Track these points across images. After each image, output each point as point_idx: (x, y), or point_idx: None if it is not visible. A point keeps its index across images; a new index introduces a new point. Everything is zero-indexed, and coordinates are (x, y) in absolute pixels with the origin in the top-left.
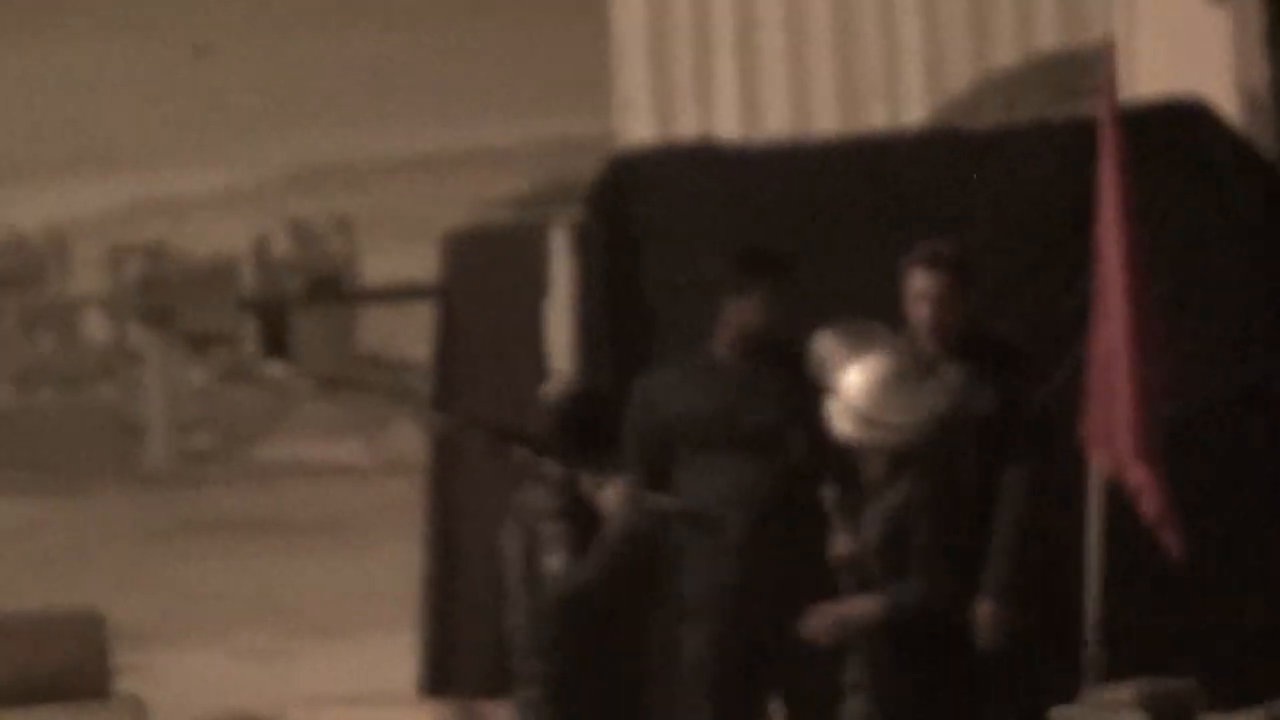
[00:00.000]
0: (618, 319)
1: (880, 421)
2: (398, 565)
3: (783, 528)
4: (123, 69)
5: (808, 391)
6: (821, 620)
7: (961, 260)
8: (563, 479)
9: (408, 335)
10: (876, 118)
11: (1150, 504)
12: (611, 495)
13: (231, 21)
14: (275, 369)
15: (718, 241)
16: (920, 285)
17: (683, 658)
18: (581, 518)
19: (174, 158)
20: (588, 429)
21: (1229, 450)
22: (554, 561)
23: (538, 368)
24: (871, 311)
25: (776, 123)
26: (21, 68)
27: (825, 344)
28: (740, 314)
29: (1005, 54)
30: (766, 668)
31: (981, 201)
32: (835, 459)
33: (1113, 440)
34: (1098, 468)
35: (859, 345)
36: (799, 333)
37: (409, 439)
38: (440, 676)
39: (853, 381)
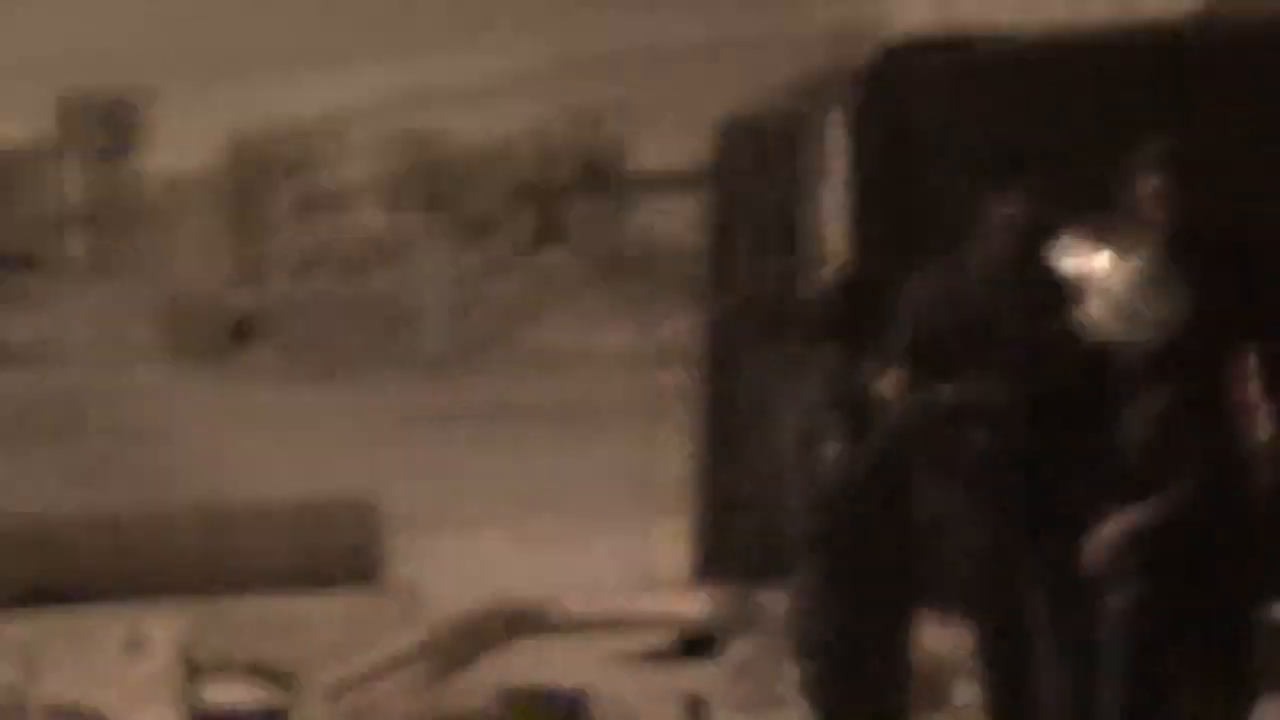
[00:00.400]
0: (893, 206)
1: (1143, 316)
2: (670, 453)
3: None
4: None
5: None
6: (1105, 539)
7: (1194, 157)
8: (838, 368)
9: (681, 222)
10: (1149, 4)
11: None
12: (887, 386)
13: None
14: (549, 255)
15: (990, 129)
16: (1156, 186)
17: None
18: (858, 407)
19: (448, 46)
20: (865, 316)
21: None
22: (828, 451)
23: (811, 252)
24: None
25: (1053, 6)
26: None
27: (1072, 240)
28: (1001, 212)
29: None
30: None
31: (1258, 94)
32: (1088, 357)
33: None
34: None
35: (1108, 238)
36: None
37: (681, 326)
38: (712, 563)
39: (1110, 273)
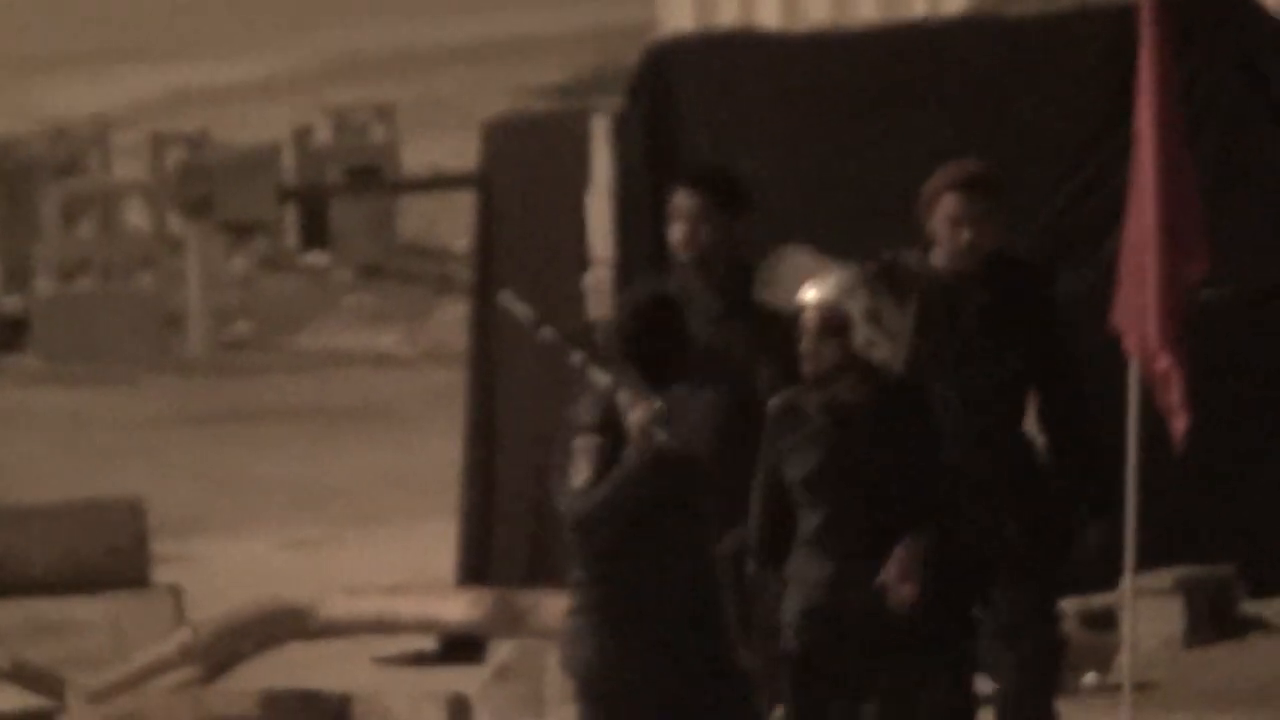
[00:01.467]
0: (659, 206)
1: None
2: (438, 454)
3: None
4: None
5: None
6: (902, 576)
7: (997, 180)
8: (605, 391)
9: (448, 224)
10: (915, 6)
11: (1167, 394)
12: (633, 420)
13: None
14: (316, 258)
15: (757, 129)
16: (954, 209)
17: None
18: (618, 435)
19: (213, 49)
20: (655, 338)
21: (1264, 335)
22: (577, 478)
23: (578, 256)
24: (906, 194)
25: (816, 13)
26: None
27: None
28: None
29: None
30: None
31: (1019, 90)
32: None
33: (1141, 327)
34: (1135, 357)
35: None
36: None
37: (450, 328)
38: (478, 565)
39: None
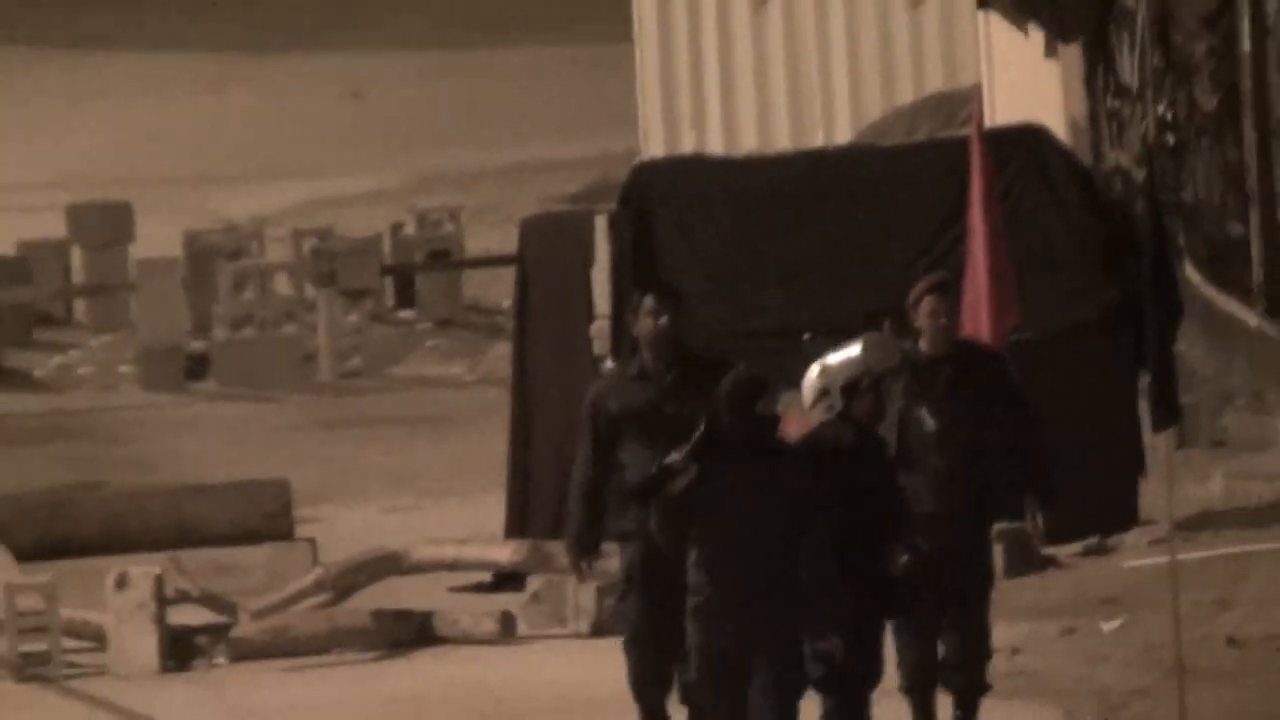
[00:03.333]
0: (639, 280)
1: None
2: (491, 448)
3: None
4: (300, 107)
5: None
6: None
7: (956, 285)
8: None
9: (497, 289)
10: (816, 139)
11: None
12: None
13: (377, 75)
14: (406, 314)
15: (709, 224)
16: (933, 307)
17: None
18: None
19: (336, 168)
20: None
21: (1061, 364)
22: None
23: (587, 311)
24: (817, 270)
25: (748, 143)
26: (226, 106)
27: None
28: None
29: (905, 94)
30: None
31: (890, 194)
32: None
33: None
34: None
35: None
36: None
37: (498, 362)
38: (519, 523)
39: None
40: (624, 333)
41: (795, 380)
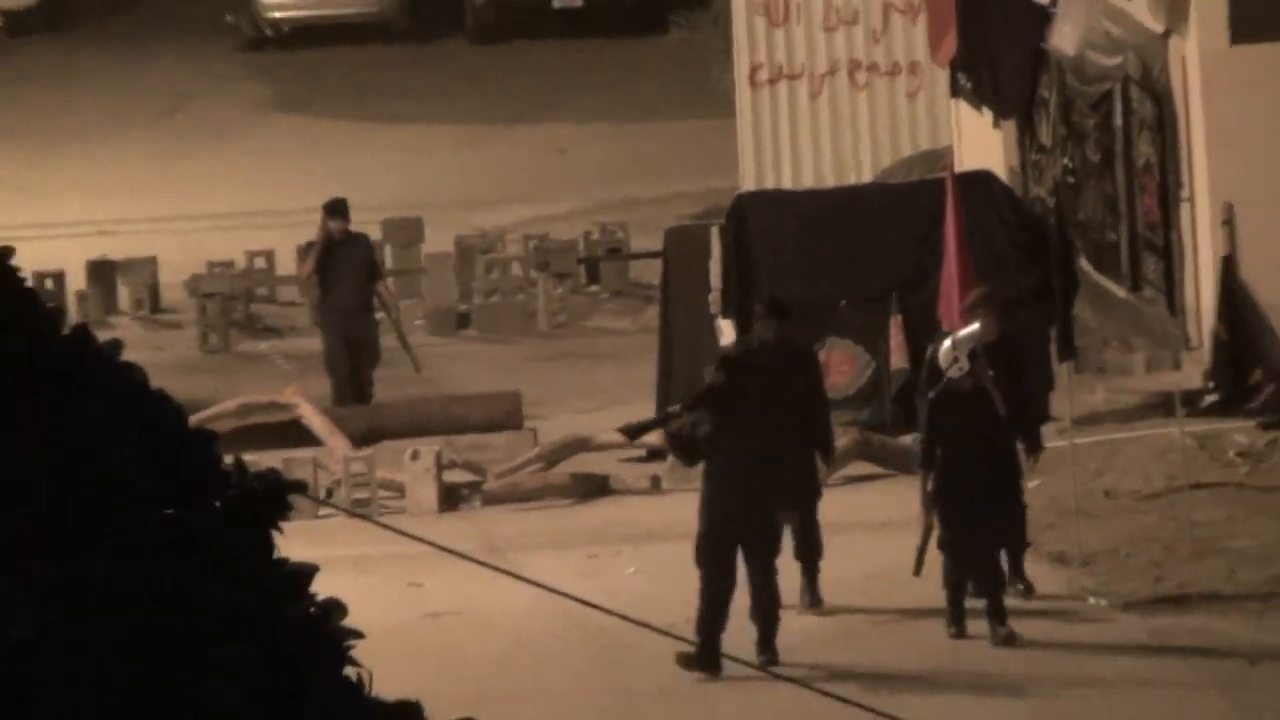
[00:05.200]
0: (740, 275)
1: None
2: (645, 373)
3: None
4: (526, 159)
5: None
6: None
7: (996, 294)
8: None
9: (650, 272)
10: (849, 179)
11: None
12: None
13: (576, 137)
14: (592, 288)
15: (782, 231)
16: (986, 310)
17: None
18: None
19: (548, 198)
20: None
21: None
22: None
23: (706, 286)
24: (849, 260)
25: (807, 181)
26: (480, 158)
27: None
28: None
29: (905, 149)
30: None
31: (894, 217)
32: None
33: (950, 317)
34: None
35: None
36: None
37: (651, 318)
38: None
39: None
40: (729, 301)
41: (834, 330)
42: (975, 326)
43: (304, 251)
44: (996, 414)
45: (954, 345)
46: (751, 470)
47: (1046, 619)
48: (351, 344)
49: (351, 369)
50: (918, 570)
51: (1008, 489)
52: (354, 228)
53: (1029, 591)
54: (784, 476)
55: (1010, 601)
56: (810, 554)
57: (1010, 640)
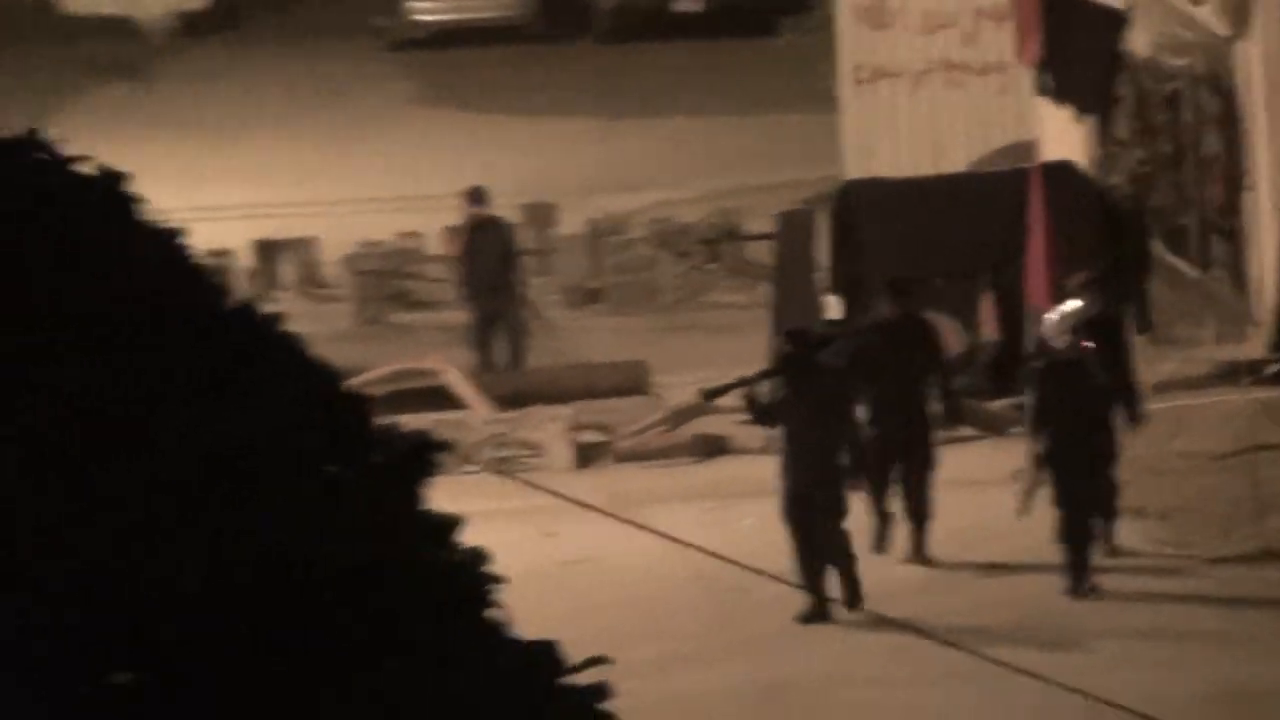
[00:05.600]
0: (846, 254)
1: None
2: (757, 341)
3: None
4: (650, 149)
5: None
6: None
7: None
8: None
9: (764, 251)
10: (946, 168)
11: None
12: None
13: (694, 131)
14: (715, 266)
15: (884, 215)
16: (1090, 292)
17: None
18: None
19: (671, 185)
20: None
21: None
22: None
23: (815, 264)
24: (944, 241)
25: (910, 168)
26: (608, 150)
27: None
28: (890, 309)
29: (996, 142)
30: None
31: (984, 200)
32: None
33: (1038, 294)
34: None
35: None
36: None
37: (765, 293)
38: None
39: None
40: (837, 279)
41: (931, 305)
42: (1080, 302)
43: (450, 233)
44: (1098, 384)
45: (1060, 319)
46: (818, 442)
47: (1126, 573)
48: (492, 317)
49: (492, 340)
50: (1024, 511)
51: (1106, 457)
52: (493, 212)
53: (1110, 549)
54: (891, 440)
55: (1097, 560)
56: (920, 517)
57: (1091, 592)
